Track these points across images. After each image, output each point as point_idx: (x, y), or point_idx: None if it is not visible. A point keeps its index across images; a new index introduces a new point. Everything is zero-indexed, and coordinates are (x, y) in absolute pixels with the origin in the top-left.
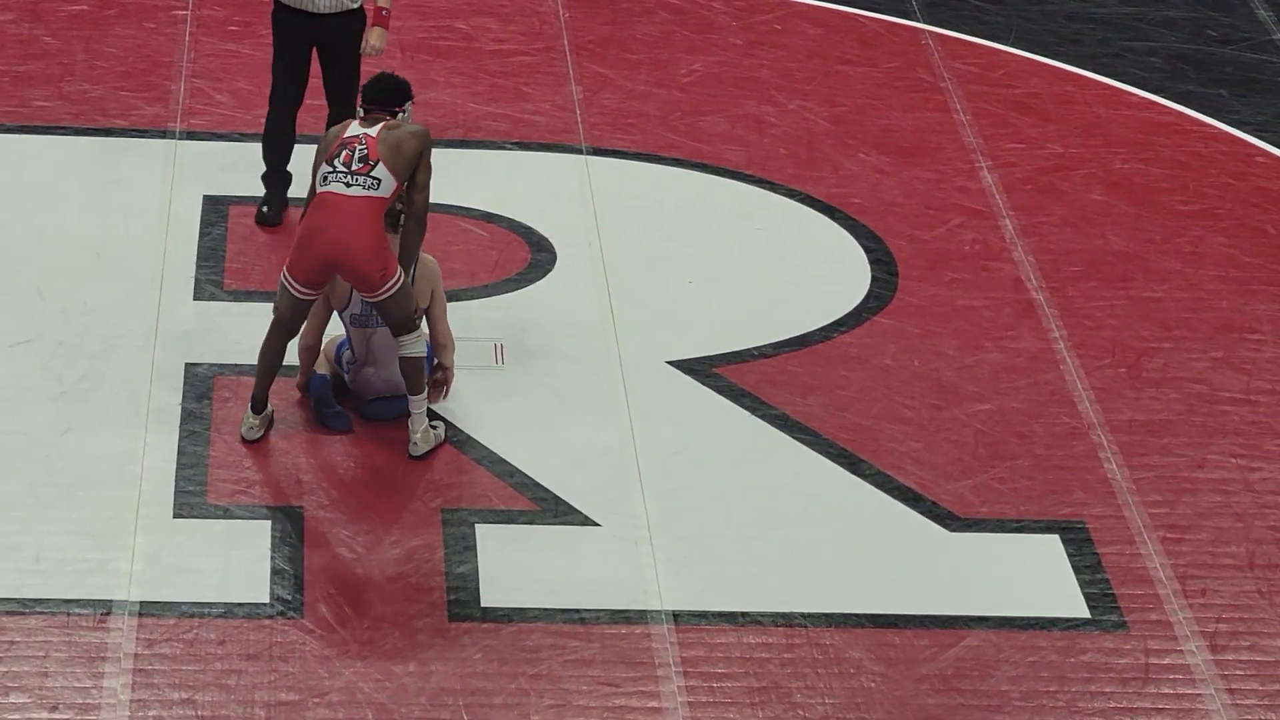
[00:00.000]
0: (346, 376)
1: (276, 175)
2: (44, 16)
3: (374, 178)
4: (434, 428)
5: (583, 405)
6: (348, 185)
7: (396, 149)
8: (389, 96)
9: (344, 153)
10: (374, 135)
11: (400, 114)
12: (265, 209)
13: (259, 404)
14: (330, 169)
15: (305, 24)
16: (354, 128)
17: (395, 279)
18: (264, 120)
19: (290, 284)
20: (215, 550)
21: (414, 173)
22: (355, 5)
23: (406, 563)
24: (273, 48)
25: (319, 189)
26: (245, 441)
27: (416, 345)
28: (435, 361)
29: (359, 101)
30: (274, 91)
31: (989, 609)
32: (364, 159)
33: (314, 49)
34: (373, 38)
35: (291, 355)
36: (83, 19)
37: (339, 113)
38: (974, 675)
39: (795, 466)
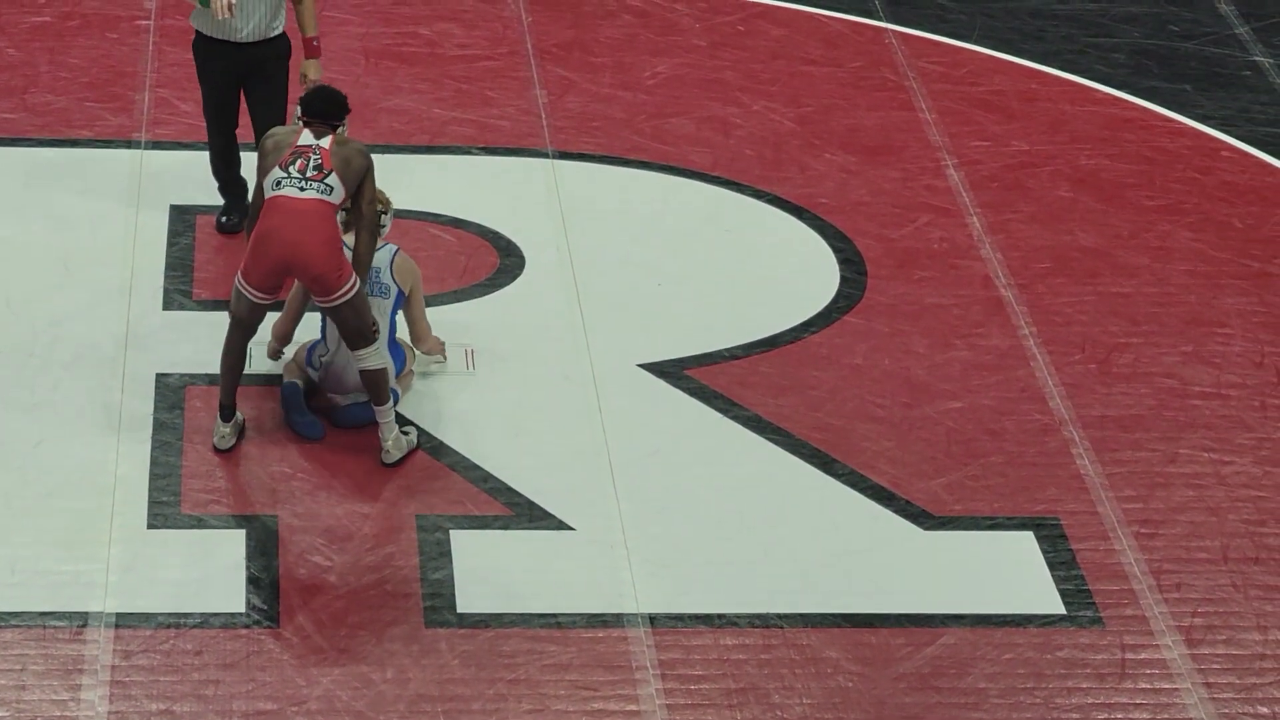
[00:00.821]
0: (316, 375)
1: (231, 185)
2: (6, 28)
3: (327, 184)
4: (405, 433)
5: (555, 409)
6: (301, 189)
7: (347, 163)
8: (333, 110)
9: (299, 160)
10: (326, 147)
11: (341, 127)
12: (224, 218)
13: (227, 411)
14: (284, 175)
15: (228, 53)
16: (306, 136)
17: (350, 283)
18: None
19: (245, 289)
20: (190, 560)
21: (360, 185)
22: (278, 31)
23: (382, 569)
24: (198, 79)
25: (270, 194)
26: (217, 450)
27: (375, 358)
28: (406, 363)
29: (299, 112)
30: (208, 123)
31: (965, 607)
32: (318, 167)
33: (239, 86)
34: (310, 71)
35: (259, 363)
36: (45, 30)
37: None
38: (951, 673)
39: (769, 467)
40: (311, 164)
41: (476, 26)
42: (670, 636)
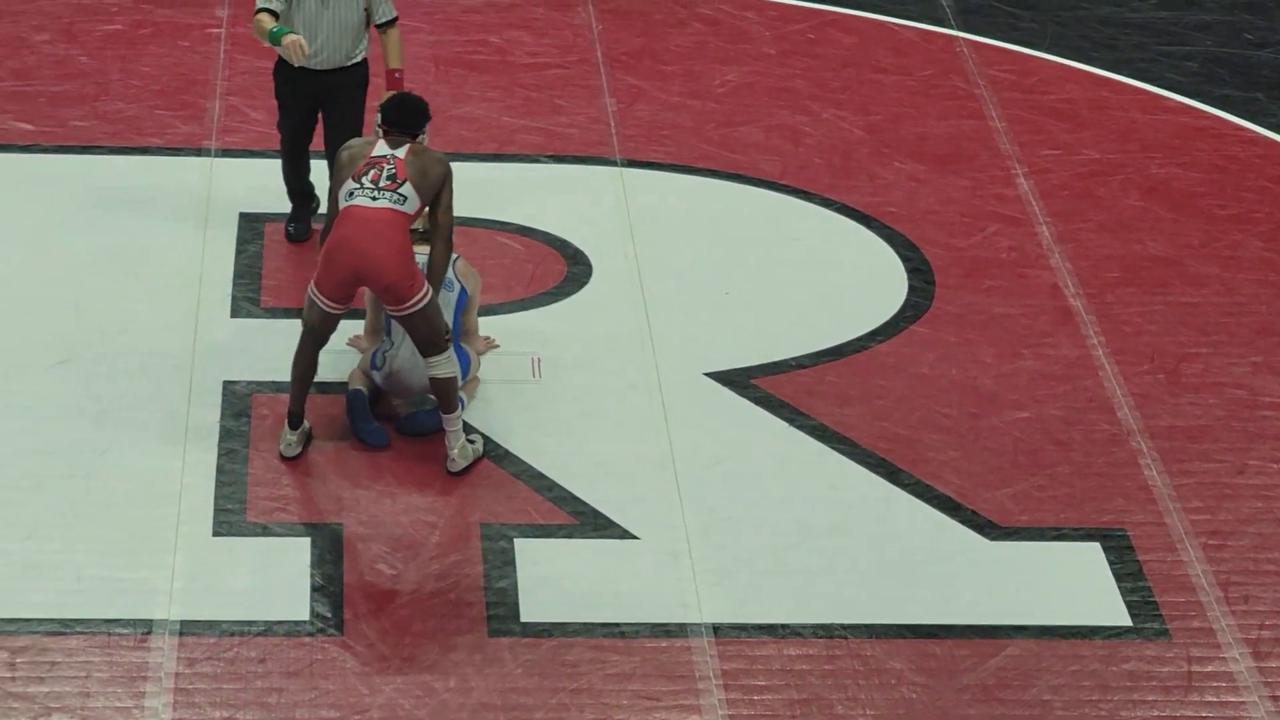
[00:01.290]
0: (379, 376)
1: (300, 195)
2: (79, 36)
3: (400, 194)
4: (471, 442)
5: (620, 418)
6: (374, 199)
7: (424, 173)
8: (412, 120)
9: (372, 171)
10: (401, 157)
11: (421, 136)
12: (292, 227)
13: (295, 419)
14: (357, 185)
15: (306, 78)
16: (380, 147)
17: (423, 292)
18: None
19: (317, 298)
20: (255, 568)
21: (437, 195)
22: (358, 59)
23: (446, 578)
24: (275, 97)
25: (343, 204)
26: (283, 458)
27: (446, 365)
28: (471, 369)
29: (379, 120)
30: (282, 139)
31: (1030, 618)
32: (392, 177)
33: (319, 107)
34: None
35: (325, 371)
36: (118, 38)
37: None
38: (1015, 685)
39: (834, 477)
40: (385, 174)
41: (547, 34)
42: (734, 646)
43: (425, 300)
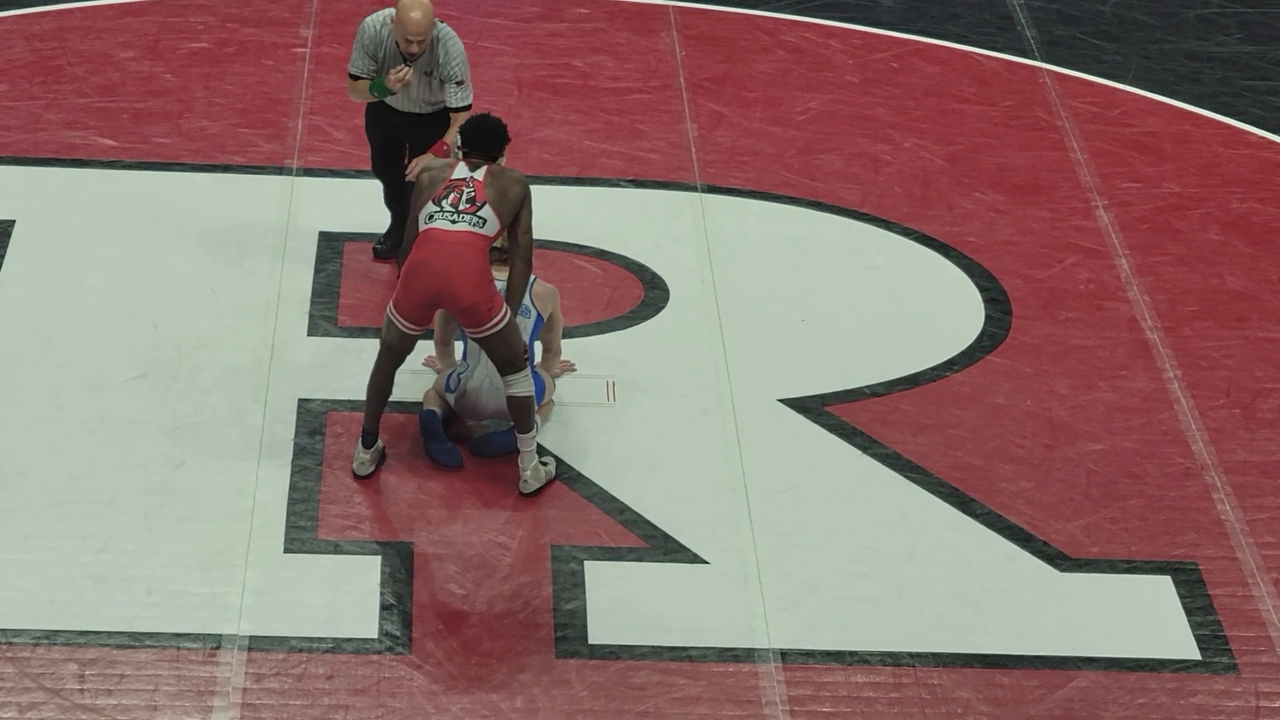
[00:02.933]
0: (453, 398)
1: (397, 214)
2: (164, 54)
3: (480, 217)
4: (544, 464)
5: (693, 442)
6: (453, 222)
7: (503, 194)
8: (491, 143)
9: (451, 194)
10: (480, 179)
11: (500, 158)
12: (380, 245)
13: (369, 438)
14: (437, 208)
15: (394, 116)
16: (460, 170)
17: (501, 315)
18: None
19: (396, 319)
20: (325, 585)
21: (516, 215)
22: (440, 107)
23: (515, 599)
24: (365, 130)
25: (423, 226)
26: (356, 477)
27: (524, 384)
28: (545, 393)
29: (458, 143)
30: (374, 166)
31: (1099, 650)
32: (471, 200)
33: (404, 143)
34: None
35: (400, 391)
36: (202, 56)
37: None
38: (1083, 716)
39: (905, 505)
40: (465, 197)
41: (630, 59)
42: (801, 672)
43: (504, 322)
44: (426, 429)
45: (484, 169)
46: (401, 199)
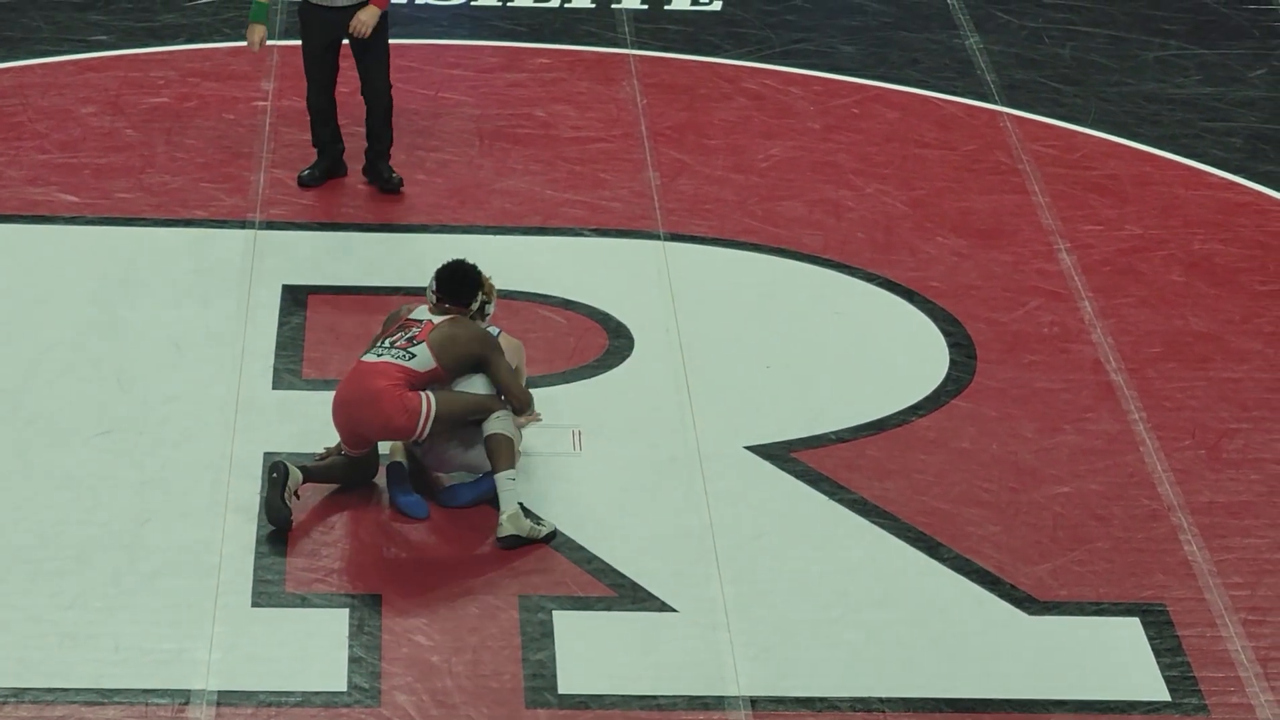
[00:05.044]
0: (419, 451)
1: (323, 143)
2: (125, 109)
3: (410, 353)
4: (540, 524)
5: (661, 491)
6: (378, 355)
7: (450, 340)
8: (461, 292)
9: (398, 334)
10: (435, 321)
11: (473, 306)
12: (307, 172)
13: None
14: (375, 344)
15: (329, 18)
16: (420, 311)
17: (423, 417)
18: (340, 204)
19: (343, 446)
20: (293, 639)
21: (484, 368)
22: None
23: (483, 649)
24: (300, 38)
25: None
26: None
27: (497, 423)
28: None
29: (433, 287)
30: (308, 81)
31: (1069, 693)
32: (410, 339)
33: (341, 40)
34: (363, 14)
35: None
36: (163, 111)
37: (374, 104)
38: None
39: (873, 550)
40: (406, 336)
41: (591, 108)
42: (771, 719)
43: (430, 419)
44: (392, 480)
45: (445, 315)
46: (328, 119)
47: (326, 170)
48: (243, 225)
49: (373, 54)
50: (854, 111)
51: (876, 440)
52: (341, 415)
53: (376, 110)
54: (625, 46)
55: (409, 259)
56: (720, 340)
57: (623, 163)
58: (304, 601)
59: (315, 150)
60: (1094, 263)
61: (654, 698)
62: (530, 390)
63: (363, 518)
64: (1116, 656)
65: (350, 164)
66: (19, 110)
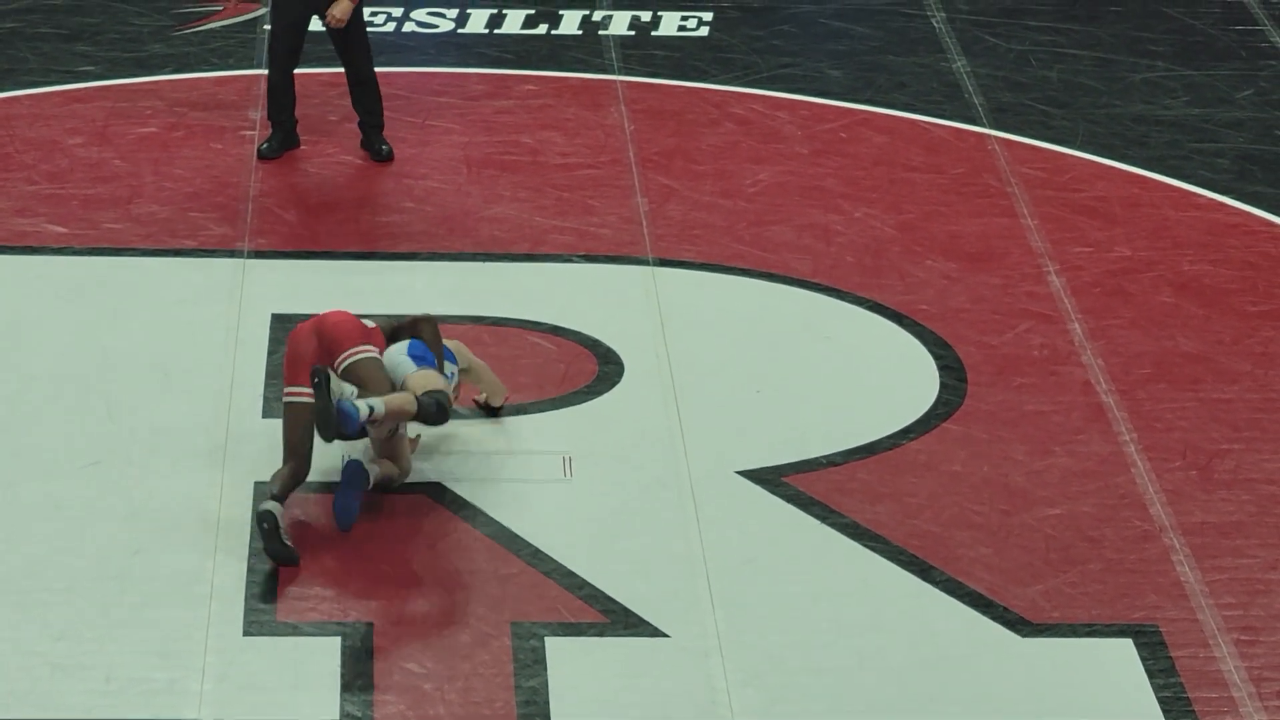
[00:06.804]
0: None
1: (279, 122)
2: (112, 139)
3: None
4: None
5: (652, 516)
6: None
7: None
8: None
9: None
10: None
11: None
12: (265, 145)
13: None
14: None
15: None
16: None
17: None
18: (329, 232)
19: (293, 396)
20: (285, 667)
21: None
22: None
23: (475, 676)
24: (270, 18)
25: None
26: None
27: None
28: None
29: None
30: (270, 58)
31: (1062, 714)
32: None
33: (310, 19)
34: (336, 10)
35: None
36: (151, 141)
37: (362, 90)
38: None
39: (865, 574)
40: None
41: (578, 135)
42: None
43: (365, 356)
44: (346, 479)
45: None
46: (285, 105)
47: (281, 142)
48: (231, 254)
49: (354, 45)
50: (842, 136)
51: (867, 464)
52: (302, 331)
53: (367, 95)
54: (612, 73)
55: (398, 287)
56: (710, 365)
57: (611, 189)
58: (296, 630)
59: (271, 125)
60: (1083, 285)
61: None
62: (516, 415)
63: (353, 546)
64: (1110, 678)
65: (346, 141)
66: (6, 141)
